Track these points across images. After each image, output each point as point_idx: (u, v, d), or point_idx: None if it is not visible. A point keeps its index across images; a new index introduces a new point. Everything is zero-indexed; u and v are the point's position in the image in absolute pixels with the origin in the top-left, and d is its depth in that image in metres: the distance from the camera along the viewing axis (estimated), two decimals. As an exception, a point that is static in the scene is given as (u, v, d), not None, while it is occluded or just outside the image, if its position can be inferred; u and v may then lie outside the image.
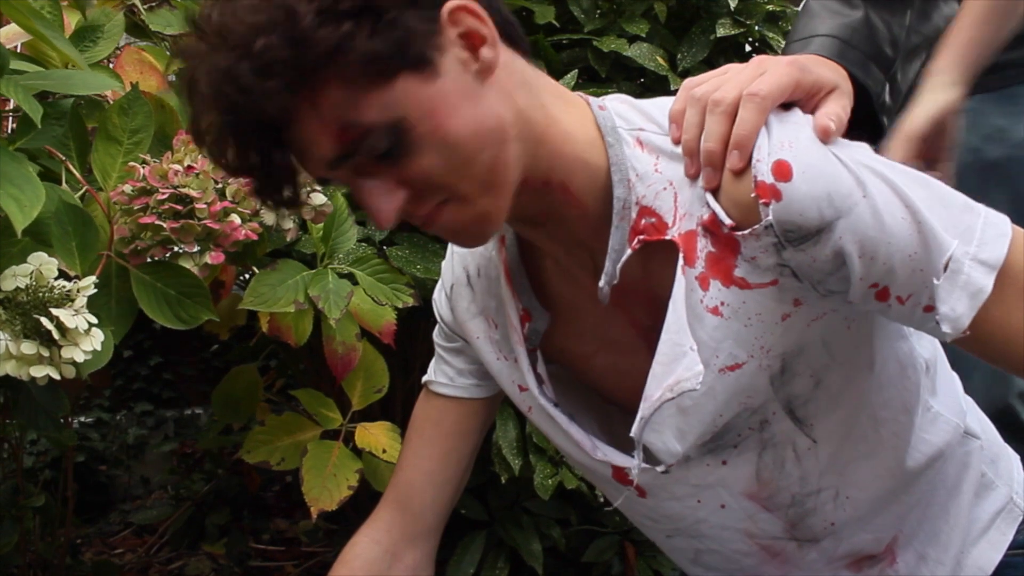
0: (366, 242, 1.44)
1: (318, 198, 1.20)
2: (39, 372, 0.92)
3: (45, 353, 0.93)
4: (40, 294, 0.94)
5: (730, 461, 0.79)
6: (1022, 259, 0.67)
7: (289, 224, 1.19)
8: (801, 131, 0.68)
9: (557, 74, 1.61)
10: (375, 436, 1.34)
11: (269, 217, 1.16)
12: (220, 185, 1.10)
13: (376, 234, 1.46)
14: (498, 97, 0.70)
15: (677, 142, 0.72)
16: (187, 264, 1.08)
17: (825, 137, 0.67)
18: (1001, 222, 0.68)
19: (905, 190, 0.66)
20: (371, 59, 0.64)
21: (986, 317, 0.66)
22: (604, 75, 1.58)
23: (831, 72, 0.74)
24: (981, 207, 0.69)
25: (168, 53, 1.38)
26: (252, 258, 1.25)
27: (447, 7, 0.68)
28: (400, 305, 1.31)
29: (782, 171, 0.66)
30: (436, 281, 1.31)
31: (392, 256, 1.43)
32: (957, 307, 0.66)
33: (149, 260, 1.08)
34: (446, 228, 0.73)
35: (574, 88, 1.54)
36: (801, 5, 0.85)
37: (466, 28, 0.69)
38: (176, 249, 1.08)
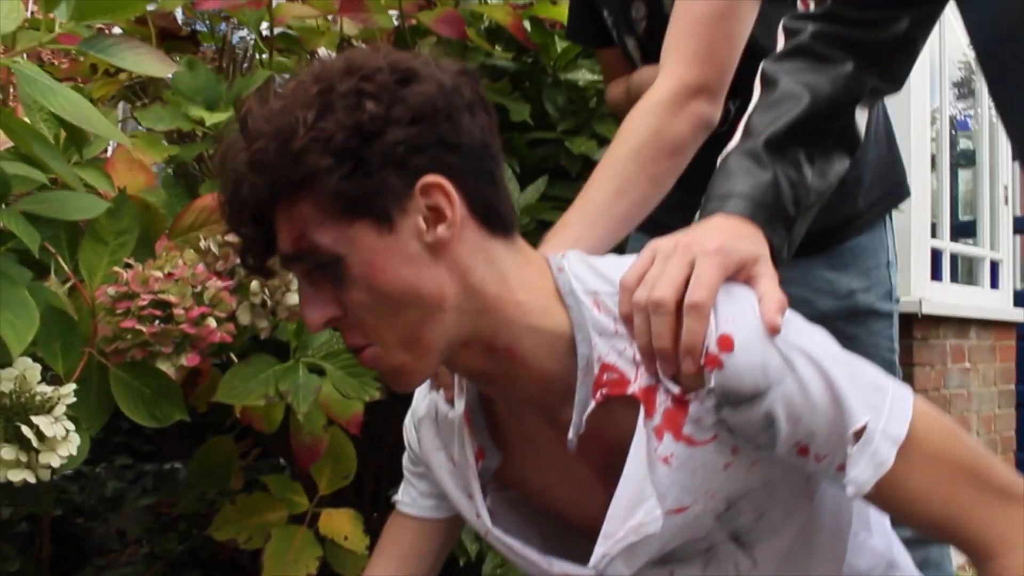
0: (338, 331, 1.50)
1: (292, 298, 1.27)
2: (16, 476, 0.98)
3: (23, 458, 0.99)
4: (23, 399, 1.00)
5: (677, 571, 0.86)
6: (920, 433, 0.76)
7: (264, 323, 1.25)
8: (743, 309, 0.77)
9: (531, 172, 1.69)
10: (338, 523, 1.39)
11: (245, 317, 1.23)
12: (199, 289, 1.16)
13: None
14: (446, 270, 0.78)
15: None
16: (164, 365, 1.14)
17: (774, 332, 0.76)
18: (904, 402, 0.77)
19: (828, 369, 0.76)
20: (340, 196, 0.74)
21: (887, 483, 0.75)
22: (575, 175, 1.66)
23: (750, 241, 0.82)
24: (889, 385, 0.78)
25: (164, 143, 1.46)
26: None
27: (424, 180, 0.76)
28: (367, 399, 1.37)
29: (726, 344, 0.75)
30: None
31: (364, 346, 1.49)
32: (863, 474, 0.75)
33: (128, 360, 1.14)
34: (371, 368, 0.81)
35: (546, 188, 1.62)
36: (719, 163, 0.93)
37: (434, 203, 0.77)
38: (154, 350, 1.14)
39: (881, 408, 0.75)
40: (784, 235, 0.88)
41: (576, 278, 0.83)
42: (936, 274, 3.35)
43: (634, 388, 0.79)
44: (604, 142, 1.67)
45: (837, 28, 0.96)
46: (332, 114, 0.75)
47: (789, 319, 0.79)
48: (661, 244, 0.82)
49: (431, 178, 0.76)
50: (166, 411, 1.15)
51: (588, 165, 1.67)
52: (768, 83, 0.96)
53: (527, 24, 1.72)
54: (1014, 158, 0.96)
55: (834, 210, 1.07)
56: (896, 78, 1.00)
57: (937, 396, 3.18)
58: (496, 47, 1.74)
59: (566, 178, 1.67)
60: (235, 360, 1.37)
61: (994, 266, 3.87)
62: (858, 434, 0.74)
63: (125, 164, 1.31)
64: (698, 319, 0.76)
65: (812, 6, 1.00)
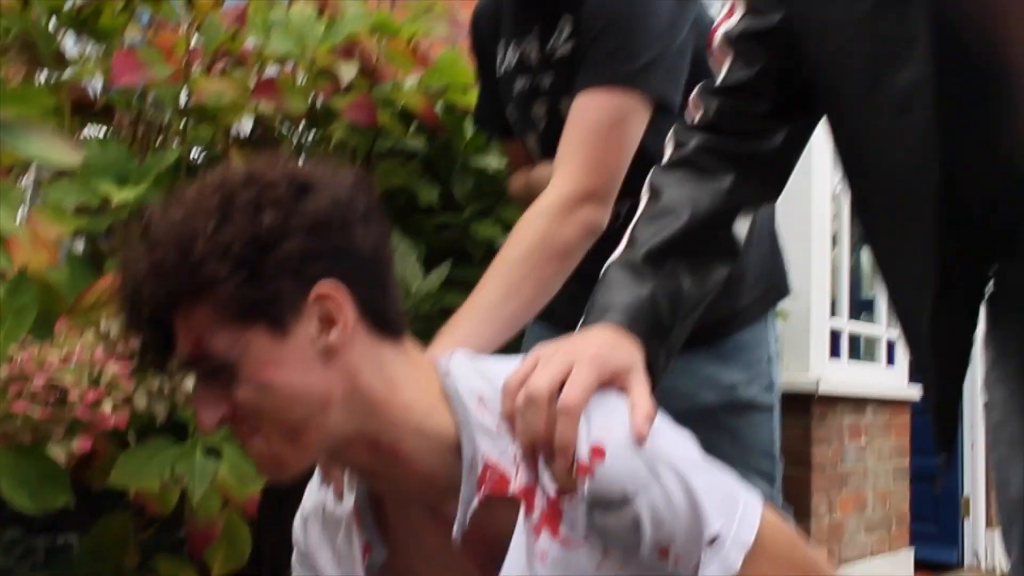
0: (242, 408, 1.50)
1: (191, 383, 1.28)
2: None
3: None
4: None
5: None
6: (767, 540, 0.82)
7: (161, 411, 1.26)
8: (614, 418, 0.82)
9: (437, 255, 1.73)
10: (232, 605, 1.38)
11: (142, 402, 1.24)
12: (96, 373, 1.17)
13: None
14: (335, 373, 0.81)
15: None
16: (55, 450, 1.14)
17: (641, 442, 0.81)
18: (754, 511, 0.83)
19: (689, 479, 0.81)
20: (236, 303, 0.77)
21: None
22: (478, 259, 1.71)
23: (625, 351, 0.87)
24: (742, 494, 0.84)
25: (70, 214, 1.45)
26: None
27: (316, 289, 0.80)
28: (263, 481, 1.38)
29: (597, 453, 0.80)
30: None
31: (265, 425, 1.50)
32: (714, 575, 0.80)
33: (16, 444, 1.14)
34: (252, 457, 0.84)
35: (450, 272, 1.66)
36: (602, 272, 0.97)
37: (326, 310, 0.81)
38: (44, 434, 1.14)
39: (733, 515, 0.81)
40: (659, 346, 0.93)
41: (461, 379, 0.87)
42: (835, 352, 3.49)
43: (515, 487, 0.83)
44: (508, 227, 1.72)
45: (719, 140, 1.02)
46: (231, 224, 0.78)
47: (657, 428, 0.84)
48: (543, 350, 0.86)
49: (325, 286, 0.80)
50: (50, 497, 1.15)
51: (492, 250, 1.71)
52: (653, 194, 1.02)
53: (439, 108, 1.77)
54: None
55: (717, 307, 1.12)
56: (774, 188, 1.07)
57: (834, 473, 3.29)
58: (409, 130, 1.78)
59: (470, 262, 1.72)
60: (130, 440, 1.36)
61: (891, 344, 4.03)
62: (712, 539, 0.80)
63: (31, 240, 1.31)
64: (570, 420, 0.80)
65: (697, 116, 1.06)
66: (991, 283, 0.97)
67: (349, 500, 0.95)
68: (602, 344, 0.87)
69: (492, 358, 0.93)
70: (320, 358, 0.81)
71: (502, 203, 1.76)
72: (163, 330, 0.82)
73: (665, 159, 1.04)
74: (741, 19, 1.01)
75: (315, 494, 1.00)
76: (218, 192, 0.80)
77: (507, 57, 1.39)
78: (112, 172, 1.46)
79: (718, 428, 1.35)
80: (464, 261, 1.72)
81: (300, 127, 1.79)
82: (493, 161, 1.80)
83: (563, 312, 1.30)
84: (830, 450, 3.26)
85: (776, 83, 1.00)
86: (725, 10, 1.03)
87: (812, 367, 3.22)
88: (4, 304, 1.18)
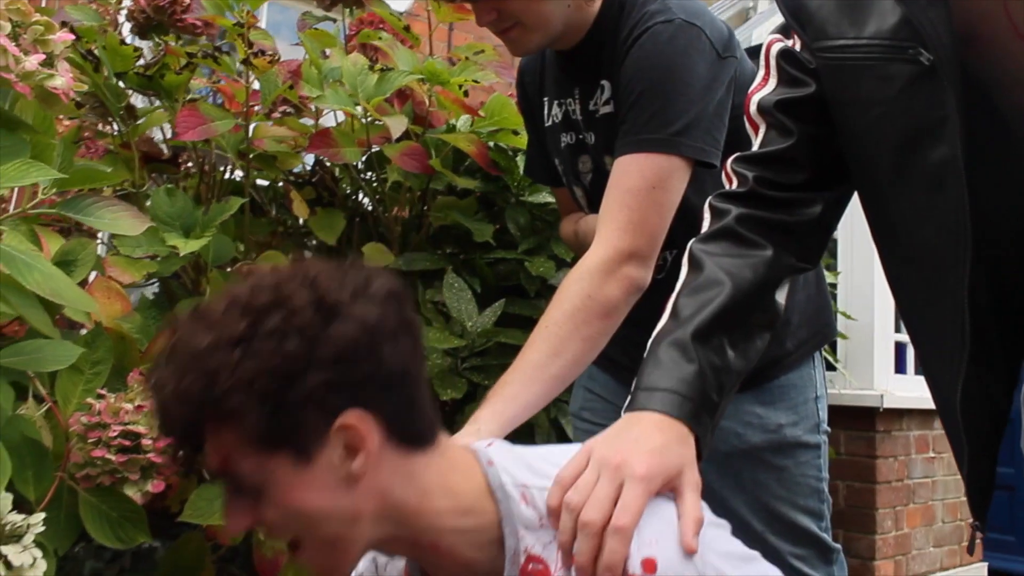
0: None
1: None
2: (-15, 602, 1.05)
3: (-6, 584, 1.06)
4: (-6, 527, 1.08)
5: None
6: None
7: (227, 448, 1.33)
8: (665, 531, 0.84)
9: (492, 290, 1.78)
10: (300, 629, 1.45)
11: (209, 443, 1.31)
12: (166, 418, 1.25)
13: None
14: (363, 494, 0.84)
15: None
16: (131, 491, 1.22)
17: (690, 553, 0.82)
18: None
19: None
20: (260, 433, 0.80)
21: None
22: (533, 294, 1.75)
23: (675, 451, 0.89)
24: None
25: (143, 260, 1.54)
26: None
27: (342, 418, 0.82)
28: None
29: (649, 567, 0.82)
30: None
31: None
32: None
33: (97, 485, 1.22)
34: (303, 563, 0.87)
35: (504, 308, 1.71)
36: (649, 345, 0.99)
37: (351, 438, 0.83)
38: (122, 476, 1.22)
39: None
40: (708, 423, 0.94)
41: (505, 471, 0.89)
42: (900, 367, 3.44)
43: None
44: (562, 264, 1.77)
45: (758, 211, 1.03)
46: (255, 356, 0.79)
47: (704, 535, 0.85)
48: (596, 450, 0.89)
49: (349, 416, 0.82)
50: (131, 534, 1.23)
51: (546, 285, 1.76)
52: (694, 264, 1.03)
53: (491, 148, 1.83)
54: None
55: (764, 351, 1.15)
56: (812, 257, 1.08)
57: (900, 487, 3.24)
58: (462, 169, 1.84)
59: (525, 297, 1.76)
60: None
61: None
62: None
63: (103, 292, 1.40)
64: (621, 542, 0.82)
65: (734, 185, 1.08)
66: None
67: (400, 561, 0.99)
68: (652, 452, 0.88)
69: (532, 448, 0.96)
70: (345, 483, 0.84)
71: (555, 239, 1.80)
72: (194, 441, 0.84)
73: (704, 229, 1.06)
74: (775, 89, 1.03)
75: (366, 557, 1.03)
76: (244, 317, 0.81)
77: (552, 112, 1.43)
78: (179, 222, 1.55)
79: (766, 467, 1.37)
80: (519, 296, 1.77)
81: (357, 168, 1.86)
82: (546, 197, 1.84)
83: (616, 356, 1.34)
84: (896, 464, 3.22)
85: (811, 153, 1.01)
86: (760, 79, 1.05)
87: (876, 382, 3.18)
88: (83, 356, 1.26)
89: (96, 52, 1.59)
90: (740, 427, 1.35)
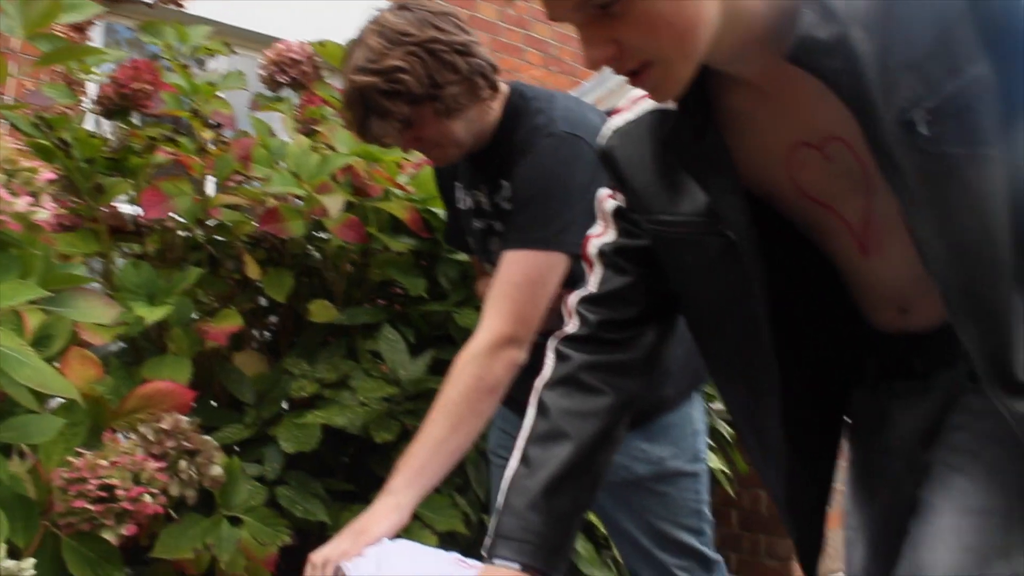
0: (260, 480, 1.80)
1: (215, 470, 1.57)
2: (-13, 638, 1.26)
3: (-8, 624, 1.27)
4: (-9, 573, 1.29)
5: None
6: None
7: (191, 492, 1.55)
8: None
9: (425, 340, 2.01)
10: (259, 651, 1.67)
11: (175, 490, 1.53)
12: (138, 470, 1.46)
13: (268, 474, 1.82)
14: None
15: None
16: (108, 535, 1.43)
17: None
18: None
19: None
20: None
21: None
22: (461, 342, 1.97)
23: None
24: None
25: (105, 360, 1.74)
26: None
27: None
28: (280, 544, 1.67)
29: None
30: (314, 521, 1.69)
31: (279, 494, 1.79)
32: None
33: (77, 531, 1.43)
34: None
35: (435, 356, 1.93)
36: (503, 491, 1.15)
37: None
38: (99, 523, 1.43)
39: None
40: (559, 563, 1.12)
41: None
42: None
43: None
44: (485, 314, 1.99)
45: (598, 355, 1.16)
46: None
47: None
48: None
49: None
50: (108, 571, 1.44)
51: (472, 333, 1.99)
52: (541, 411, 1.17)
53: (423, 213, 2.05)
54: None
55: (647, 398, 1.37)
56: (647, 384, 1.22)
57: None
58: (398, 232, 2.06)
59: (455, 344, 1.99)
60: (171, 513, 1.65)
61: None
62: None
63: (78, 361, 1.61)
64: None
65: (575, 326, 1.21)
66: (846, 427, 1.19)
67: None
68: None
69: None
70: None
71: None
72: None
73: (549, 374, 1.21)
74: (614, 240, 1.18)
75: None
76: None
77: (464, 198, 1.66)
78: (144, 291, 1.76)
79: (650, 494, 1.61)
80: (449, 344, 1.99)
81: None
82: (472, 253, 2.06)
83: (518, 396, 1.58)
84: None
85: (644, 291, 1.17)
86: (599, 228, 1.20)
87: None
88: (63, 422, 1.47)
89: (67, 139, 1.80)
90: (628, 460, 1.58)
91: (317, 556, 1.31)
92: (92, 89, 2.04)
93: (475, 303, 2.03)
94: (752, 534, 3.49)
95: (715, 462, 2.85)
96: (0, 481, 1.32)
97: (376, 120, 1.47)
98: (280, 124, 2.15)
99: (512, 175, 1.51)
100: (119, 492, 1.42)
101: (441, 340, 2.00)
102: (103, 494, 1.41)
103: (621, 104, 1.16)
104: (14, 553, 1.33)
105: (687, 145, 1.01)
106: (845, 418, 1.21)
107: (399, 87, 1.43)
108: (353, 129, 1.52)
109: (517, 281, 1.45)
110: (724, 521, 3.56)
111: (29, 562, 1.31)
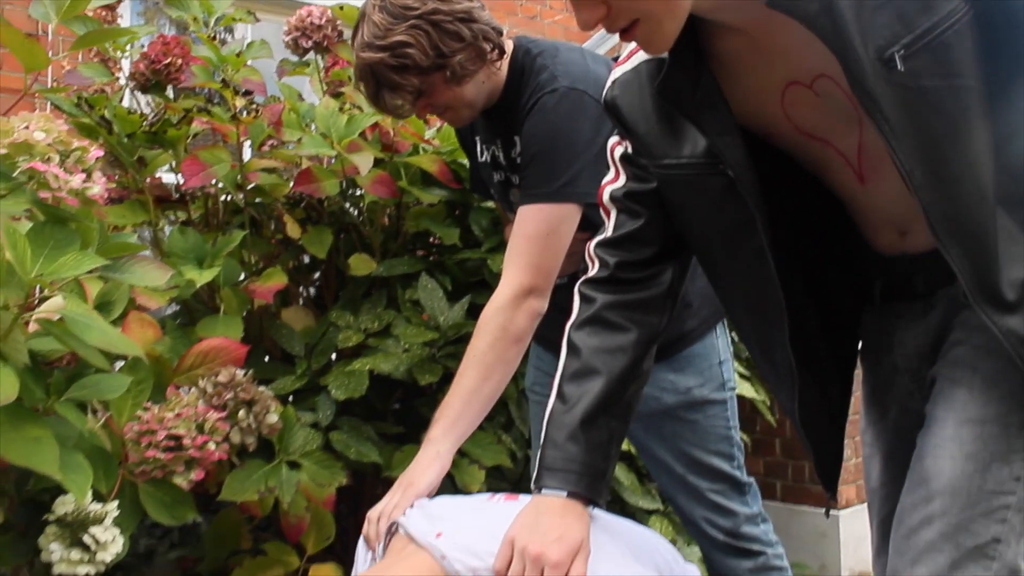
0: (314, 427, 1.91)
1: (272, 418, 1.69)
2: (81, 570, 1.40)
3: (86, 557, 1.41)
4: (81, 516, 1.42)
5: None
6: None
7: (251, 439, 1.67)
8: None
9: (461, 287, 2.09)
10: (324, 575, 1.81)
11: (236, 437, 1.65)
12: (200, 422, 1.58)
13: (322, 421, 1.93)
14: None
15: None
16: (179, 480, 1.55)
17: None
18: None
19: None
20: None
21: None
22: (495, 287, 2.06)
23: (576, 530, 1.16)
24: None
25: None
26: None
27: None
28: (337, 485, 1.78)
29: None
30: (368, 462, 1.80)
31: (333, 439, 1.90)
32: None
33: (151, 478, 1.55)
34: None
35: (471, 302, 2.02)
36: (544, 429, 1.23)
37: None
38: (169, 470, 1.55)
39: None
40: (600, 485, 1.21)
41: (457, 561, 1.17)
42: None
43: None
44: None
45: (620, 295, 1.22)
46: None
47: None
48: (517, 541, 1.15)
49: None
50: (182, 513, 1.57)
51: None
52: (572, 350, 1.24)
53: (452, 164, 2.12)
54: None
55: (671, 330, 1.44)
56: (669, 320, 1.28)
57: (859, 418, 3.55)
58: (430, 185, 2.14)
59: (489, 290, 2.07)
60: (234, 460, 1.78)
61: None
62: None
63: (137, 323, 1.72)
64: None
65: (596, 269, 1.27)
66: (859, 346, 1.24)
67: None
68: (559, 540, 1.15)
69: (468, 521, 1.26)
70: None
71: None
72: None
73: (576, 315, 1.28)
74: (625, 183, 1.24)
75: None
76: None
77: (483, 152, 1.73)
78: (192, 256, 1.86)
79: (681, 422, 1.69)
80: (484, 289, 2.07)
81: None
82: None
83: (550, 336, 1.66)
84: (854, 398, 3.52)
85: (657, 231, 1.23)
86: (611, 175, 1.26)
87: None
88: (131, 379, 1.59)
89: (107, 117, 1.90)
90: (657, 391, 1.66)
91: (372, 512, 1.43)
92: (126, 66, 2.13)
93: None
94: (796, 461, 3.56)
95: (755, 393, 2.92)
96: (81, 434, 1.44)
97: (388, 93, 1.53)
98: (307, 88, 2.23)
99: (521, 132, 1.58)
100: (185, 441, 1.54)
101: (477, 286, 2.09)
102: (171, 444, 1.53)
103: (622, 55, 1.22)
104: (98, 499, 1.46)
105: (683, 91, 1.06)
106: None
107: (407, 61, 1.48)
108: (368, 102, 1.59)
109: (532, 234, 1.52)
110: (767, 450, 3.64)
111: (112, 505, 1.44)
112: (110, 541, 1.41)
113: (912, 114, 0.93)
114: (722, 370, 1.73)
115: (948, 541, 0.98)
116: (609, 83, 1.20)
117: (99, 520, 1.43)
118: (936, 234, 0.97)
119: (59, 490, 1.40)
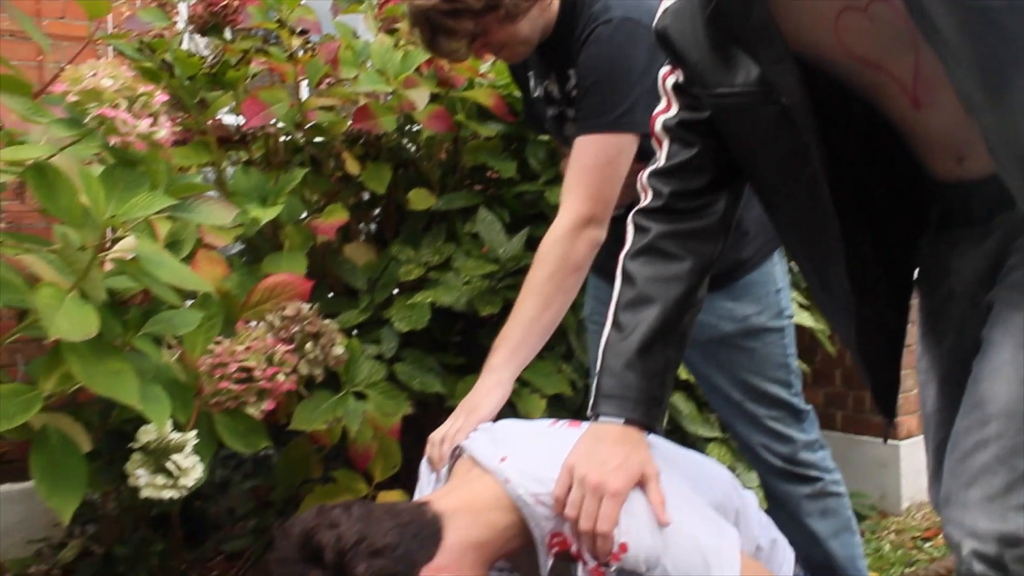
0: (378, 359, 1.97)
1: (338, 350, 1.74)
2: (166, 494, 1.48)
3: (169, 482, 1.49)
4: (163, 444, 1.50)
5: None
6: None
7: (318, 371, 1.73)
8: (633, 521, 1.15)
9: (519, 219, 2.11)
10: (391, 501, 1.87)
11: (304, 369, 1.71)
12: (269, 354, 1.64)
13: (386, 353, 1.99)
14: None
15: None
16: (251, 410, 1.62)
17: (664, 524, 1.13)
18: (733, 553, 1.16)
19: (699, 539, 1.14)
20: None
21: None
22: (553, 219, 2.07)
23: (635, 459, 1.18)
24: (727, 540, 1.17)
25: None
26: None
27: None
28: (402, 415, 1.84)
29: (623, 549, 1.14)
30: (431, 393, 1.85)
31: (397, 370, 1.96)
32: None
33: (225, 408, 1.63)
34: None
35: (529, 234, 2.03)
36: (600, 355, 1.26)
37: None
38: (242, 400, 1.62)
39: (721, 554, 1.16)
40: (657, 412, 1.23)
41: (520, 486, 1.19)
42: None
43: (574, 549, 1.18)
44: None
45: (674, 224, 1.23)
46: None
47: (671, 504, 1.17)
48: (576, 469, 1.17)
49: None
50: (255, 441, 1.64)
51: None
52: (627, 279, 1.26)
53: (507, 97, 2.13)
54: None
55: (727, 258, 1.45)
56: (722, 248, 1.29)
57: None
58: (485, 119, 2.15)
59: (547, 222, 2.09)
60: (302, 393, 1.84)
61: None
62: None
63: (206, 261, 1.78)
64: (605, 540, 1.15)
65: (649, 199, 1.28)
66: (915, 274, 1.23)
67: None
68: (618, 468, 1.17)
69: (528, 446, 1.29)
70: None
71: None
72: None
73: (630, 245, 1.29)
74: (677, 112, 1.24)
75: None
76: None
77: (536, 87, 1.73)
78: (255, 195, 1.91)
79: (738, 350, 1.70)
80: (542, 221, 2.09)
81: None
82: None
83: (608, 266, 1.68)
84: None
85: (710, 160, 1.23)
86: (663, 105, 1.26)
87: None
88: (202, 314, 1.65)
89: (169, 60, 1.94)
90: (715, 319, 1.67)
91: (436, 435, 1.46)
92: (183, 10, 2.16)
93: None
94: (856, 391, 3.54)
95: (814, 323, 2.90)
96: (158, 368, 1.52)
97: (444, 38, 1.54)
98: (362, 25, 2.24)
99: (576, 64, 1.57)
100: (256, 373, 1.60)
101: (534, 218, 2.11)
102: (243, 375, 1.60)
103: None
104: (177, 428, 1.54)
105: (736, 19, 1.05)
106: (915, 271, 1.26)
107: (459, 5, 1.49)
108: (424, 47, 1.60)
109: (589, 164, 1.53)
110: (828, 381, 3.61)
111: (191, 433, 1.52)
112: (191, 467, 1.49)
113: (972, 36, 0.91)
114: (779, 298, 1.72)
115: (1003, 464, 0.98)
116: (660, 12, 1.19)
117: (180, 448, 1.51)
118: (996, 158, 0.95)
119: (141, 421, 1.48)
